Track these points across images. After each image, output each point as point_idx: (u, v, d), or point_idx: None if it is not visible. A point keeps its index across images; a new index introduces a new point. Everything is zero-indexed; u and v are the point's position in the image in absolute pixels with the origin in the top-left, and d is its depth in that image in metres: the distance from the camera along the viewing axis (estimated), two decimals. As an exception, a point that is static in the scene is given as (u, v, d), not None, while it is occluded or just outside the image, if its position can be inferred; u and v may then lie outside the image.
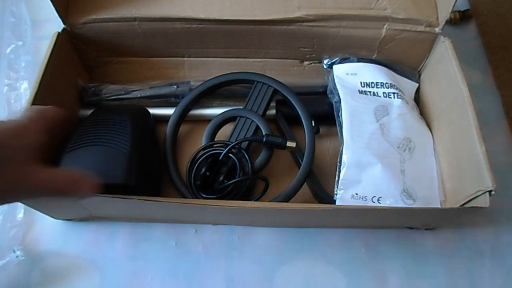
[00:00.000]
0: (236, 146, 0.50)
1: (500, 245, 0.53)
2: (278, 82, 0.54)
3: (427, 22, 0.54)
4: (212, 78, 0.55)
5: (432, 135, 0.54)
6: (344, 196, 0.49)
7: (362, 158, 0.50)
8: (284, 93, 0.54)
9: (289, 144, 0.50)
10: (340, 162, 0.50)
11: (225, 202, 0.41)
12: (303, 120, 0.52)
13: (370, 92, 0.55)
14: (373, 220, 0.51)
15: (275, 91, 0.54)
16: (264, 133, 0.52)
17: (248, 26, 0.55)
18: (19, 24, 0.68)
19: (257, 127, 0.52)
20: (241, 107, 0.54)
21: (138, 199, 0.40)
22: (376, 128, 0.52)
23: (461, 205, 0.45)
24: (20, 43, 0.66)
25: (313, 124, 0.52)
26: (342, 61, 0.57)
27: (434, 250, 0.52)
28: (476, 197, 0.43)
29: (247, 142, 0.51)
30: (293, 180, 0.49)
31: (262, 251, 0.52)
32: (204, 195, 0.48)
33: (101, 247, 0.51)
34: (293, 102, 0.53)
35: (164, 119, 0.55)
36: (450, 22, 0.67)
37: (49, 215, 0.51)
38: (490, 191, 0.41)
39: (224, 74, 0.55)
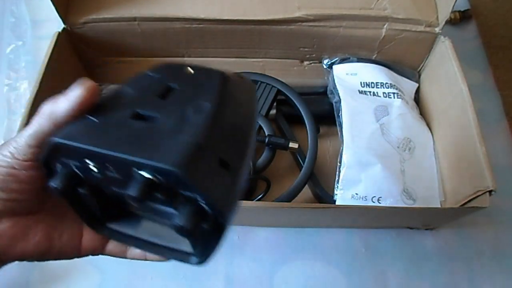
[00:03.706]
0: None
1: (500, 245, 0.53)
2: (282, 82, 0.54)
3: (427, 22, 0.54)
4: None
5: (432, 135, 0.54)
6: (344, 196, 0.48)
7: (362, 158, 0.50)
8: (288, 94, 0.54)
9: (291, 145, 0.50)
10: (340, 162, 0.50)
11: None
12: (306, 122, 0.52)
13: (370, 92, 0.55)
14: (373, 220, 0.51)
15: (279, 92, 0.54)
16: (266, 134, 0.52)
17: (248, 26, 0.55)
18: (19, 24, 0.68)
19: (260, 127, 0.52)
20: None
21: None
22: (376, 128, 0.52)
23: (461, 205, 0.45)
24: (20, 43, 0.66)
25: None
26: (342, 61, 0.57)
27: (434, 250, 0.52)
28: (476, 197, 0.43)
29: (249, 142, 0.51)
30: (295, 181, 0.49)
31: (262, 251, 0.51)
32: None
33: (101, 247, 0.51)
34: (296, 104, 0.53)
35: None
36: (450, 22, 0.67)
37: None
38: (490, 191, 0.41)
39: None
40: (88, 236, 0.30)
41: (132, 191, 0.22)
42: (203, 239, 0.25)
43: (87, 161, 0.24)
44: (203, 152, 0.23)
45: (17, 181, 0.26)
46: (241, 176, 0.25)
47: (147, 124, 0.24)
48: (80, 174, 0.25)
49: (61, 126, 0.25)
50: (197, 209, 0.22)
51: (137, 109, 0.25)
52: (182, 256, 0.27)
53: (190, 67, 0.27)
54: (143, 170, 0.22)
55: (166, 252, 0.28)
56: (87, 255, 0.30)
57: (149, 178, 0.22)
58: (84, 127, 0.24)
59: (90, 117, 0.25)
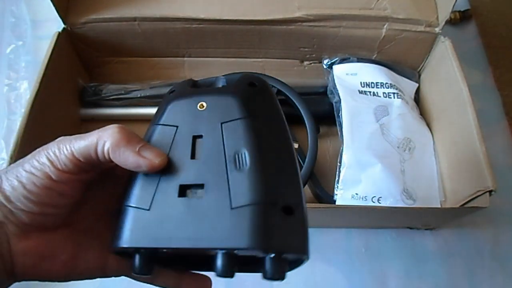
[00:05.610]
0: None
1: (500, 245, 0.53)
2: (282, 82, 0.54)
3: (427, 22, 0.54)
4: None
5: (432, 135, 0.54)
6: (344, 196, 0.48)
7: (362, 158, 0.50)
8: (288, 94, 0.53)
9: None
10: (340, 162, 0.50)
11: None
12: (306, 122, 0.52)
13: (370, 92, 0.55)
14: (373, 220, 0.51)
15: (279, 92, 0.54)
16: None
17: (248, 26, 0.54)
18: (19, 24, 0.68)
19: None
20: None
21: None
22: (376, 128, 0.52)
23: (461, 205, 0.45)
24: (20, 43, 0.66)
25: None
26: (342, 61, 0.57)
27: (434, 250, 0.52)
28: (476, 197, 0.43)
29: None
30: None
31: (262, 251, 0.51)
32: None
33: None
34: (296, 104, 0.53)
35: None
36: (450, 22, 0.67)
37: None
38: (490, 191, 0.41)
39: (227, 74, 0.55)
40: (115, 256, 0.26)
41: (217, 270, 0.22)
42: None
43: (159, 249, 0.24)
44: (264, 211, 0.22)
45: (53, 195, 0.23)
46: (305, 207, 0.24)
47: (198, 198, 0.24)
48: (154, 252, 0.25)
49: (112, 165, 0.24)
50: (278, 258, 0.23)
51: (181, 182, 0.24)
52: None
53: (201, 98, 0.26)
54: (219, 251, 0.22)
55: None
56: (112, 275, 0.27)
57: (227, 253, 0.23)
58: (141, 221, 0.24)
59: (139, 207, 0.24)
